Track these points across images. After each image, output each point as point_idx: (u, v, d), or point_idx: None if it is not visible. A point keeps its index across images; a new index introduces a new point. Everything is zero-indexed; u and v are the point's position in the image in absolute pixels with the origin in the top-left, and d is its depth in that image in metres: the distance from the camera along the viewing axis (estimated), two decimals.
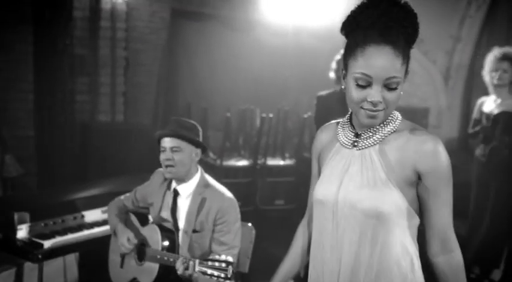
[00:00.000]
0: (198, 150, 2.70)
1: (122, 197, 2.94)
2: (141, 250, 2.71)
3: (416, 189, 1.51)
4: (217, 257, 2.17)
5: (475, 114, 4.32)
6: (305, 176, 5.29)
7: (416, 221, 1.53)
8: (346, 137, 1.60)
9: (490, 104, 4.17)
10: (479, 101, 4.31)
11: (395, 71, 1.42)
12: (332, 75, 4.00)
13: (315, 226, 1.65)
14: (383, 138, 1.53)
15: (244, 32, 6.16)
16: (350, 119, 1.64)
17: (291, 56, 6.45)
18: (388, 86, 1.44)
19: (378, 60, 1.42)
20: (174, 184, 2.71)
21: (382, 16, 1.42)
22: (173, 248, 2.64)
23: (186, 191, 2.68)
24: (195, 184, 2.68)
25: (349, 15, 1.48)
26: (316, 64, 6.17)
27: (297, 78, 6.46)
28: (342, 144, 1.61)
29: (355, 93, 1.47)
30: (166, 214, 2.71)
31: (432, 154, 1.46)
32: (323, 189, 1.59)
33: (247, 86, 6.07)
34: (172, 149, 2.62)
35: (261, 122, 5.28)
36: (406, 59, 1.46)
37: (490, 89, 4.16)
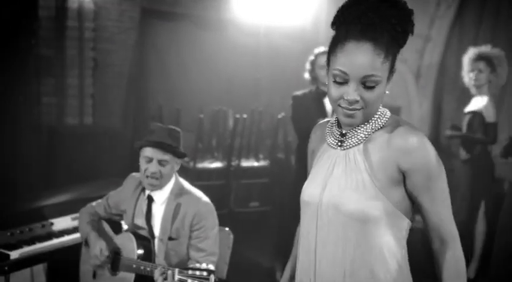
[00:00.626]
0: (179, 160, 2.61)
1: (94, 203, 2.82)
2: (115, 260, 2.60)
3: (404, 188, 1.46)
4: (197, 265, 2.08)
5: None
6: (279, 177, 5.31)
7: (405, 223, 1.48)
8: (333, 137, 1.56)
9: (473, 104, 4.20)
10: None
11: (374, 69, 1.37)
12: (307, 76, 3.95)
13: (301, 227, 1.61)
14: (367, 137, 1.48)
15: (217, 31, 6.06)
16: (337, 120, 1.59)
17: (263, 56, 6.39)
18: (366, 84, 1.39)
19: (356, 57, 1.37)
20: (147, 191, 2.61)
21: (368, 12, 1.36)
22: (149, 256, 2.54)
23: (160, 197, 2.59)
24: (169, 190, 2.58)
25: (339, 9, 1.44)
26: (288, 64, 6.14)
27: (269, 78, 6.40)
28: (329, 144, 1.57)
29: (332, 90, 1.44)
30: (141, 221, 2.61)
31: (415, 150, 1.40)
32: (309, 190, 1.57)
33: (219, 86, 5.99)
34: (161, 162, 2.50)
35: (235, 122, 5.20)
36: (389, 57, 1.40)
37: (472, 90, 4.19)
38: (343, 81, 1.41)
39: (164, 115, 5.36)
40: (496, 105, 4.21)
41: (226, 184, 5.08)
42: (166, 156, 2.50)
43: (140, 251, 2.52)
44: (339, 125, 1.56)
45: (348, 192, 1.44)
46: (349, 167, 1.47)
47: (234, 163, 5.23)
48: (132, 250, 2.52)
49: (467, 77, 4.14)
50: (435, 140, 6.68)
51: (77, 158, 4.82)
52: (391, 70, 1.43)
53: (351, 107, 1.41)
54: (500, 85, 4.18)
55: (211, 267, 2.09)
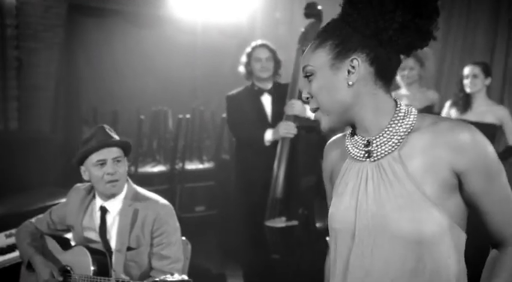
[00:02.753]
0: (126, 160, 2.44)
1: (33, 219, 2.55)
2: (66, 279, 2.30)
3: (461, 194, 1.25)
4: (169, 277, 1.86)
5: None
6: (225, 179, 5.10)
7: (463, 237, 1.28)
8: (356, 148, 1.34)
9: (399, 99, 4.19)
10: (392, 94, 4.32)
11: (307, 59, 1.31)
12: (242, 69, 3.76)
13: (334, 259, 1.37)
14: (401, 141, 1.27)
15: (151, 29, 5.79)
16: (354, 127, 1.38)
17: (200, 53, 6.19)
18: (305, 76, 1.31)
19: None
20: (98, 201, 2.39)
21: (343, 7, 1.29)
22: (106, 271, 2.29)
23: (115, 206, 2.37)
24: (123, 196, 2.37)
25: None
26: (225, 61, 6.04)
27: (207, 76, 6.20)
28: (353, 157, 1.35)
29: None
30: (94, 235, 2.39)
31: (470, 145, 1.21)
32: (338, 215, 1.34)
33: (156, 86, 5.70)
34: (116, 160, 2.31)
35: (177, 123, 4.94)
36: (328, 40, 1.28)
37: (403, 85, 4.19)
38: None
39: (99, 118, 5.04)
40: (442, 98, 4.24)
41: (170, 189, 4.82)
42: (119, 153, 2.34)
43: (95, 267, 2.27)
44: (358, 133, 1.36)
45: (392, 208, 1.23)
46: (386, 180, 1.26)
47: (178, 166, 4.97)
48: (87, 266, 2.27)
49: (400, 74, 4.14)
50: None
51: (3, 167, 4.40)
52: (338, 56, 1.27)
53: (309, 105, 1.33)
54: (429, 77, 4.25)
55: (186, 277, 1.88)
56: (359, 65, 1.26)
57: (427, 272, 1.23)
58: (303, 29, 3.58)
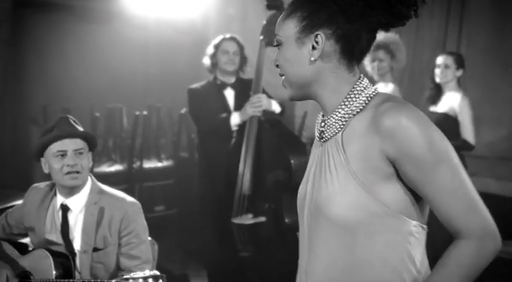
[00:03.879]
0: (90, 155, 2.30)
1: None
2: None
3: (402, 181, 1.18)
4: (140, 273, 1.81)
5: None
6: (185, 177, 4.98)
7: (409, 227, 1.19)
8: (317, 128, 1.33)
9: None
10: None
11: (277, 28, 1.29)
12: (206, 61, 3.66)
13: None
14: (344, 124, 1.22)
15: (102, 24, 5.61)
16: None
17: (153, 49, 6.06)
18: (275, 45, 1.31)
19: None
20: (59, 198, 2.24)
21: None
22: (70, 274, 2.15)
23: (77, 204, 2.23)
24: (87, 193, 2.23)
25: None
26: (179, 58, 5.99)
27: (161, 73, 6.07)
28: (316, 137, 1.34)
29: None
30: (55, 237, 2.24)
31: (398, 131, 1.13)
32: (299, 193, 1.36)
33: (109, 82, 5.52)
34: (78, 152, 2.18)
35: (134, 121, 4.78)
36: (297, 12, 1.24)
37: (374, 76, 4.19)
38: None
39: (49, 116, 4.82)
40: (400, 89, 4.24)
41: (128, 188, 4.64)
42: (82, 145, 2.20)
43: (59, 270, 2.12)
44: (322, 112, 1.33)
45: (325, 192, 1.21)
46: (327, 163, 1.24)
47: (135, 165, 4.82)
48: (48, 270, 2.12)
49: (370, 66, 4.14)
50: None
51: None
52: (304, 30, 1.23)
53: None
54: (401, 68, 4.24)
55: (157, 272, 1.79)
56: (323, 41, 1.22)
57: (359, 262, 1.20)
58: (264, 21, 3.51)
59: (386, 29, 1.25)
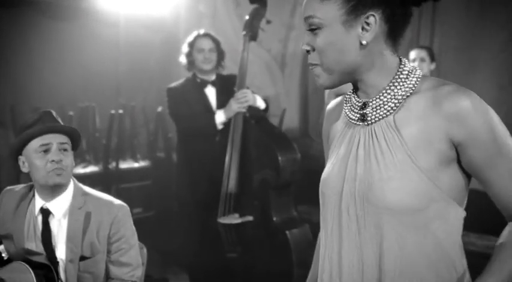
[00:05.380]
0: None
1: None
2: None
3: (459, 166, 1.14)
4: None
5: (326, 100, 4.27)
6: (162, 178, 4.85)
7: (459, 214, 1.17)
8: (352, 110, 1.24)
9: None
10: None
11: (310, 10, 1.16)
12: (183, 59, 3.55)
13: (322, 225, 1.29)
14: (397, 106, 1.16)
15: (70, 21, 5.44)
16: (355, 87, 1.28)
17: (123, 47, 5.90)
18: (308, 30, 1.17)
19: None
20: (39, 202, 2.05)
21: None
22: None
23: (60, 208, 2.04)
24: (70, 196, 2.05)
25: None
26: (149, 56, 5.91)
27: (131, 71, 5.92)
28: (349, 121, 1.25)
29: None
30: (34, 245, 2.04)
31: (469, 113, 1.09)
32: (328, 180, 1.27)
33: (78, 81, 5.35)
34: (63, 147, 2.00)
35: (110, 120, 4.61)
36: (346, 2, 1.14)
37: None
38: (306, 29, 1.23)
39: (17, 116, 4.60)
40: None
41: (104, 190, 4.43)
42: (66, 140, 2.03)
43: None
44: (356, 94, 1.26)
45: (380, 178, 1.14)
46: (378, 146, 1.16)
47: (111, 166, 4.64)
48: None
49: None
50: (304, 129, 6.71)
51: None
52: (353, 10, 1.14)
53: (308, 60, 1.20)
54: None
55: None
56: (376, 22, 1.15)
57: (413, 251, 1.15)
58: (247, 16, 3.42)
59: (418, 4, 1.21)
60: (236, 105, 3.28)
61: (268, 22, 3.46)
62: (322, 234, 1.30)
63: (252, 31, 3.36)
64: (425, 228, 1.14)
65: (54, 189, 2.01)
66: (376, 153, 1.16)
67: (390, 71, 1.20)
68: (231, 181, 3.28)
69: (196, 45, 3.49)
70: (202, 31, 3.58)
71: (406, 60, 1.22)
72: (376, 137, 1.17)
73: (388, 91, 1.18)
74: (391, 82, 1.18)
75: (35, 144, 1.97)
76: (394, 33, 1.19)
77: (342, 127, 1.29)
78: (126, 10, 5.75)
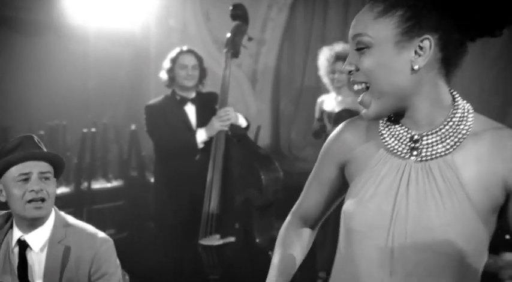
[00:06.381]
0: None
1: None
2: None
3: (504, 213, 1.10)
4: None
5: (316, 114, 4.26)
6: (136, 198, 4.71)
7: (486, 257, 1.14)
8: (398, 140, 1.14)
9: (331, 103, 4.16)
10: (319, 99, 4.28)
11: (362, 27, 1.09)
12: (164, 75, 3.47)
13: (346, 263, 1.18)
14: (457, 144, 1.09)
15: (38, 36, 5.26)
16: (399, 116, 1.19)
17: (92, 63, 5.75)
18: (357, 48, 1.10)
19: (354, 19, 1.12)
20: (17, 233, 1.91)
21: None
22: None
23: (38, 240, 1.91)
24: (50, 227, 1.92)
25: None
26: (119, 71, 5.79)
27: (101, 87, 5.77)
28: (390, 151, 1.15)
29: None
30: (9, 279, 1.90)
31: None
32: (365, 216, 1.13)
33: (46, 98, 5.16)
34: (43, 176, 1.87)
35: (82, 139, 4.45)
36: (394, 10, 1.07)
37: (331, 88, 4.14)
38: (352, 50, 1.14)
39: None
40: None
41: (76, 212, 4.31)
42: (48, 168, 1.89)
43: None
44: (401, 123, 1.16)
45: (441, 221, 1.06)
46: (435, 186, 1.08)
47: (83, 186, 4.48)
48: None
49: (328, 78, 4.09)
50: (276, 145, 6.68)
51: None
52: (408, 32, 1.07)
53: (351, 80, 1.13)
54: None
55: None
56: (431, 47, 1.07)
57: None
58: (229, 33, 3.36)
59: (474, 40, 1.13)
60: (218, 124, 3.21)
61: (250, 39, 3.42)
62: (346, 274, 1.20)
63: (233, 48, 3.32)
64: (470, 271, 1.10)
65: (33, 221, 1.89)
66: (433, 194, 1.08)
67: (445, 104, 1.13)
68: (212, 201, 3.20)
69: (179, 61, 3.41)
70: (185, 47, 3.51)
71: (457, 94, 1.16)
72: (433, 175, 1.09)
73: (447, 127, 1.11)
74: (448, 117, 1.11)
75: (14, 172, 1.84)
76: (449, 63, 1.12)
77: (382, 155, 1.17)
78: (94, 25, 5.61)
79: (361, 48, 1.10)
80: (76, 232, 1.94)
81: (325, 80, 4.14)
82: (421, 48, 1.08)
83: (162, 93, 3.58)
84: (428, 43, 1.07)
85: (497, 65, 5.19)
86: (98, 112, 5.65)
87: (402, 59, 1.08)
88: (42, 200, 1.85)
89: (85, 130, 4.58)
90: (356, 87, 1.12)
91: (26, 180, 1.84)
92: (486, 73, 5.20)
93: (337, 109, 4.12)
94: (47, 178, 1.87)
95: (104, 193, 4.64)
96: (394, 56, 1.08)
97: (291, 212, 1.42)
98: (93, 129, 4.64)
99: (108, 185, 4.77)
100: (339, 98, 4.11)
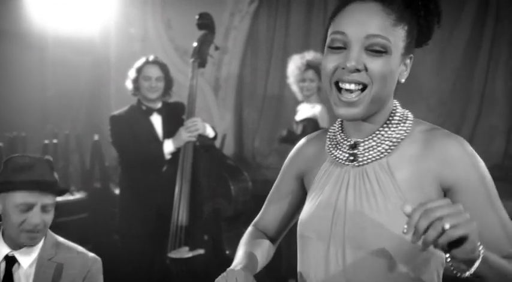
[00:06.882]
0: None
1: None
2: None
3: None
4: None
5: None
6: (100, 210, 4.59)
7: (443, 259, 1.14)
8: (339, 149, 1.19)
9: (301, 111, 4.17)
10: (298, 108, 4.27)
11: (380, 29, 1.08)
12: (129, 84, 3.41)
13: (302, 269, 1.23)
14: (392, 148, 1.13)
15: None
16: (341, 124, 1.23)
17: (50, 71, 5.61)
18: (370, 49, 1.07)
19: (359, 14, 1.09)
20: (4, 248, 1.86)
21: None
22: None
23: (28, 257, 1.87)
24: (39, 245, 1.88)
25: None
26: (78, 80, 5.67)
27: (59, 96, 5.61)
28: (334, 160, 1.19)
29: (327, 62, 1.10)
30: None
31: (459, 158, 1.09)
32: (310, 222, 1.20)
33: (4, 109, 4.97)
34: (45, 208, 1.83)
35: (43, 151, 4.31)
36: (404, 23, 1.10)
37: (299, 96, 4.15)
38: (341, 46, 1.09)
39: None
40: (329, 111, 4.24)
41: None
42: (52, 201, 1.85)
43: None
44: (344, 132, 1.21)
45: (374, 223, 1.09)
46: (371, 189, 1.12)
47: None
48: None
49: (297, 86, 4.09)
50: (239, 153, 6.65)
51: None
52: (408, 47, 1.12)
53: (350, 78, 1.08)
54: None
55: None
56: (410, 64, 1.16)
57: None
58: (195, 43, 3.32)
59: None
60: (186, 134, 3.16)
61: (217, 48, 3.39)
62: (302, 278, 1.24)
63: (200, 58, 3.29)
64: (413, 273, 1.10)
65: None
66: (368, 196, 1.13)
67: (386, 111, 1.18)
68: (181, 213, 3.15)
69: (143, 72, 3.36)
70: (151, 57, 3.44)
71: (398, 103, 1.21)
72: (368, 179, 1.14)
73: (382, 132, 1.15)
74: (385, 123, 1.16)
75: (18, 198, 1.78)
76: (406, 76, 1.19)
77: (326, 166, 1.23)
78: (53, 33, 5.49)
79: (378, 50, 1.08)
80: (67, 250, 1.95)
81: (294, 87, 4.14)
82: (405, 64, 1.14)
83: (123, 101, 3.50)
84: (410, 60, 1.15)
85: (457, 76, 5.34)
86: (58, 122, 5.50)
87: (399, 71, 1.13)
88: (38, 231, 1.82)
89: (46, 141, 4.44)
90: (353, 86, 1.09)
91: (27, 210, 1.79)
92: (446, 84, 5.34)
93: (303, 117, 4.13)
94: (48, 210, 1.84)
95: (67, 206, 4.48)
96: (397, 67, 1.12)
97: (252, 224, 1.45)
98: (55, 141, 4.50)
99: (71, 197, 4.62)
100: (307, 106, 4.13)
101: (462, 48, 5.26)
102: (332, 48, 1.10)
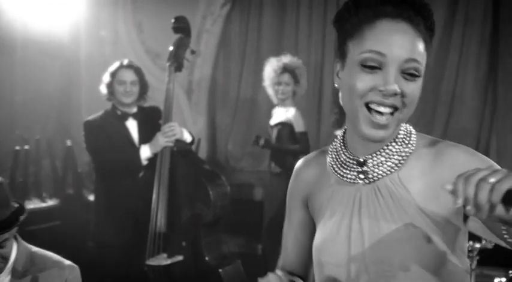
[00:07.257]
0: None
1: None
2: None
3: (463, 220, 1.10)
4: None
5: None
6: (73, 217, 4.49)
7: (466, 263, 1.13)
8: (346, 168, 1.15)
9: (275, 114, 4.17)
10: (273, 112, 4.26)
11: (417, 53, 1.05)
12: (103, 89, 3.35)
13: None
14: (402, 162, 1.11)
15: None
16: (343, 142, 1.19)
17: (19, 75, 5.47)
18: (407, 72, 1.05)
19: (397, 37, 1.04)
20: None
21: None
22: None
23: (1, 273, 1.86)
24: (12, 258, 1.86)
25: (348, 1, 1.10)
26: (47, 84, 5.57)
27: (28, 100, 5.48)
28: (341, 179, 1.16)
29: (359, 82, 1.05)
30: None
31: (471, 165, 1.03)
32: (326, 246, 1.15)
33: None
34: (2, 244, 1.82)
35: (14, 157, 4.20)
36: (427, 45, 1.09)
37: (274, 99, 4.14)
38: (376, 66, 1.04)
39: None
40: (304, 114, 4.24)
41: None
42: (8, 235, 1.83)
43: None
44: (347, 149, 1.17)
45: (395, 238, 1.07)
46: (385, 204, 1.09)
47: None
48: None
49: (272, 89, 4.08)
50: (213, 157, 6.61)
51: None
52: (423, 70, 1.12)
53: (387, 102, 1.04)
54: (302, 94, 4.24)
55: None
56: None
57: None
58: (171, 46, 3.28)
59: None
60: (163, 140, 3.12)
61: (193, 52, 3.36)
62: None
63: (177, 62, 3.24)
64: None
65: None
66: (383, 212, 1.09)
67: None
68: (159, 219, 3.10)
69: (117, 76, 3.30)
70: (125, 61, 3.39)
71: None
72: (381, 194, 1.10)
73: (390, 147, 1.12)
74: (393, 139, 1.13)
75: None
76: None
77: (333, 187, 1.18)
78: (22, 36, 5.37)
79: (413, 74, 1.06)
80: (42, 261, 1.92)
81: (270, 90, 4.13)
82: None
83: (94, 105, 3.42)
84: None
85: (428, 77, 5.43)
86: (27, 127, 5.37)
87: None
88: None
89: (17, 147, 4.33)
90: (388, 110, 1.06)
91: None
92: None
93: (278, 121, 4.13)
94: (3, 246, 1.80)
95: (39, 213, 4.38)
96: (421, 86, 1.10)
97: (278, 267, 1.36)
98: (26, 147, 4.40)
99: (43, 204, 4.52)
100: (281, 109, 4.12)
101: (432, 50, 5.36)
102: (365, 66, 1.05)
